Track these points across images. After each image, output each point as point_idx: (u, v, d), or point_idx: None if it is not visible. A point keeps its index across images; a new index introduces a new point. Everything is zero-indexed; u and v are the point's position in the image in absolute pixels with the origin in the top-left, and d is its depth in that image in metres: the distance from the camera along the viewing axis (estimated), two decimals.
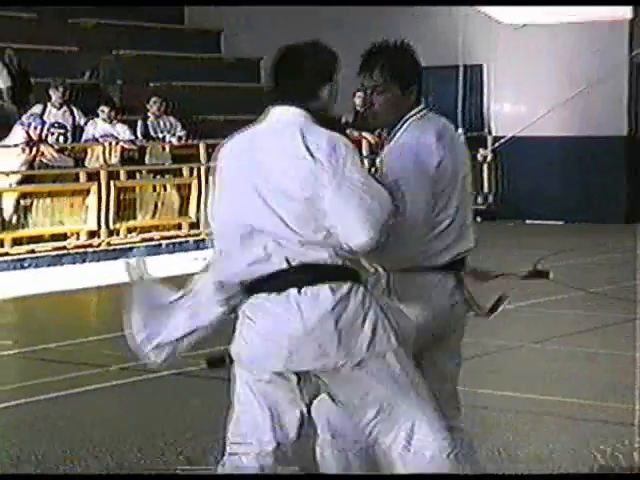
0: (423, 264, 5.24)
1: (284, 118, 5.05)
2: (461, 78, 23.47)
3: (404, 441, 4.91)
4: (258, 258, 4.85)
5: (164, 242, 18.96)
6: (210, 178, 18.68)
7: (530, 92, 22.75)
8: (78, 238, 18.08)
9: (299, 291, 4.79)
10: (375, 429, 4.97)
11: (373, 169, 5.44)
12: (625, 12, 22.21)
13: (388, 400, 4.93)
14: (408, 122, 5.30)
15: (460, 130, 23.32)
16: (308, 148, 4.82)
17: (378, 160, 5.45)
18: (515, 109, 23.09)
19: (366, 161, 18.67)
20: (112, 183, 18.40)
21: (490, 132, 23.63)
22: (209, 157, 19.70)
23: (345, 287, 4.80)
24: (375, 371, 4.89)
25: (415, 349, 5.14)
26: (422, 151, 5.18)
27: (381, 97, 5.33)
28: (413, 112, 5.32)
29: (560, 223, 19.96)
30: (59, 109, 18.87)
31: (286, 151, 4.87)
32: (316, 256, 4.79)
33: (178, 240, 19.16)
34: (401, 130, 5.31)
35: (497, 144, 22.88)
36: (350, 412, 5.06)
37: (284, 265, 4.80)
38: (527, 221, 22.13)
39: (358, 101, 21.60)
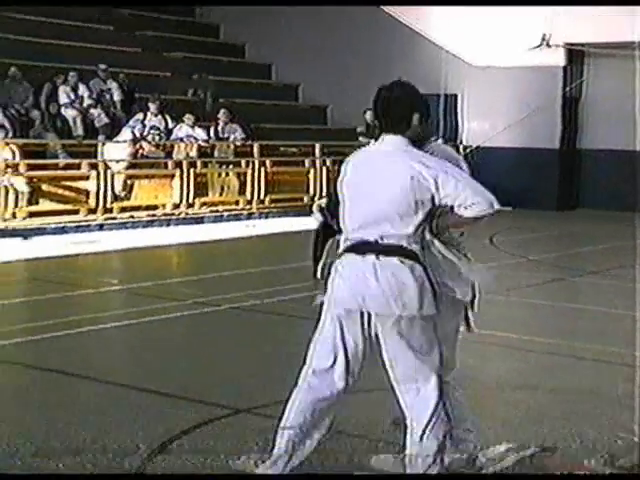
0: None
1: (390, 143, 4.84)
2: (442, 103, 23.38)
3: (415, 392, 4.81)
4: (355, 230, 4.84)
5: (226, 213, 18.93)
6: (261, 169, 18.40)
7: (491, 115, 22.66)
8: (165, 208, 18.04)
9: (377, 257, 4.72)
10: (399, 377, 4.85)
11: None
12: (559, 60, 22.21)
13: (414, 361, 4.80)
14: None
15: (440, 140, 23.25)
16: (411, 166, 4.68)
17: None
18: (480, 126, 22.94)
19: None
20: (191, 170, 18.41)
21: (462, 142, 23.53)
22: (261, 153, 19.73)
23: (408, 263, 4.69)
24: (418, 329, 4.77)
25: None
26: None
27: None
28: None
29: (509, 209, 19.84)
30: (155, 116, 18.96)
31: (393, 166, 4.74)
32: (396, 240, 4.69)
33: (235, 212, 19.13)
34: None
35: (467, 151, 22.81)
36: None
37: (373, 239, 4.74)
38: None
39: (368, 116, 21.58)
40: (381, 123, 4.90)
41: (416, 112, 4.86)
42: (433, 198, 4.67)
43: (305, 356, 4.90)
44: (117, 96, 19.36)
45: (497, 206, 4.71)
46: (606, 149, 22.02)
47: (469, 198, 4.65)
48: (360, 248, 4.78)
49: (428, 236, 4.78)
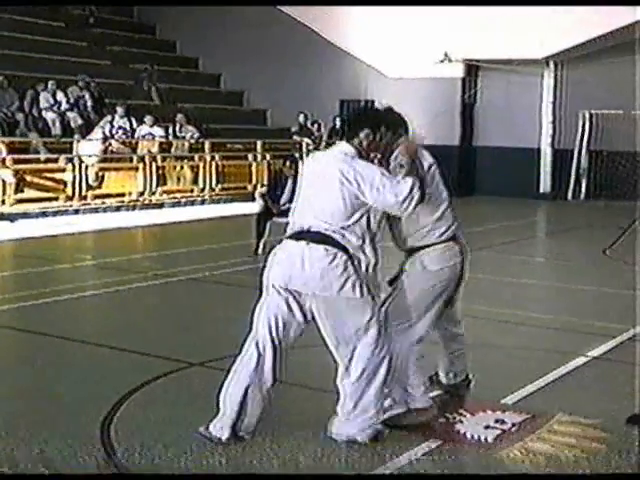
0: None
1: (338, 148, 4.82)
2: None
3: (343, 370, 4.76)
4: (298, 220, 4.77)
5: (183, 200, 18.83)
6: (212, 162, 18.30)
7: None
8: (131, 196, 17.89)
9: (307, 244, 4.66)
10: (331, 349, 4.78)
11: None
12: (458, 73, 22.42)
13: (337, 333, 4.71)
14: None
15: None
16: (342, 170, 4.62)
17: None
18: None
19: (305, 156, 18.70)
20: (153, 164, 18.27)
21: None
22: (212, 149, 19.66)
23: (332, 251, 4.59)
24: (339, 308, 4.67)
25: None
26: None
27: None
28: None
29: None
30: (122, 118, 18.77)
31: (330, 169, 4.68)
32: (325, 231, 4.61)
33: (191, 199, 19.04)
34: None
35: None
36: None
37: (307, 229, 4.68)
38: None
39: (301, 119, 21.65)
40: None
41: (366, 128, 4.76)
42: (363, 200, 4.60)
43: (250, 319, 4.89)
44: (90, 102, 19.13)
45: (406, 202, 4.58)
46: (495, 146, 22.28)
47: (387, 199, 4.58)
48: (296, 235, 4.72)
49: None
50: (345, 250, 4.62)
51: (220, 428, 4.74)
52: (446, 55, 22.11)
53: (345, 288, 4.60)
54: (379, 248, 4.76)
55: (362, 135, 4.75)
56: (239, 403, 4.73)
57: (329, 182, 4.66)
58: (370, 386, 4.71)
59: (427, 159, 4.97)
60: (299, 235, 4.71)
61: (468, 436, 4.86)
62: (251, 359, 4.75)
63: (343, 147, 4.79)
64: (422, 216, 4.91)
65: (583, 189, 21.64)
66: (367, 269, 4.68)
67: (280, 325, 4.75)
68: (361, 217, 4.65)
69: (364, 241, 4.66)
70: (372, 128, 4.77)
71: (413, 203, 4.59)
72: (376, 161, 4.79)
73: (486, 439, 4.81)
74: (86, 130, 18.30)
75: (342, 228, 4.62)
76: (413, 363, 4.98)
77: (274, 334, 4.75)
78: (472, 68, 22.70)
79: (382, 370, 4.71)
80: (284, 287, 4.71)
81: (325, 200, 4.67)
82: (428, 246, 4.97)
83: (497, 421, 5.05)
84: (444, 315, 5.15)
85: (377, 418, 4.77)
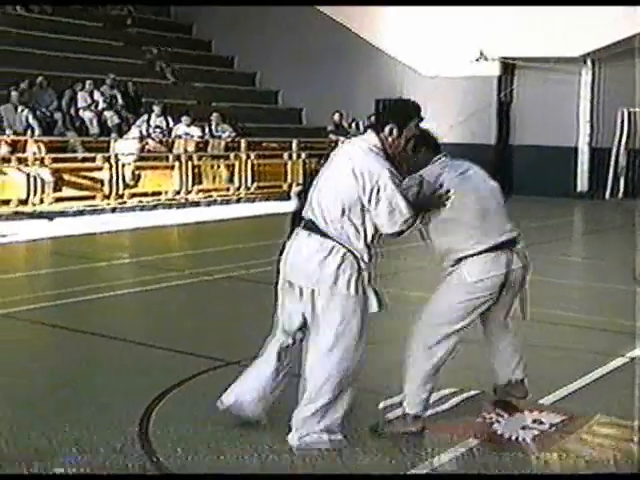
0: None
1: (360, 140, 4.71)
2: None
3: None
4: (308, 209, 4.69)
5: (219, 199, 18.90)
6: (247, 161, 18.34)
7: (439, 115, 22.58)
8: (167, 194, 17.99)
9: (309, 235, 4.60)
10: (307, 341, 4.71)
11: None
12: (494, 71, 22.22)
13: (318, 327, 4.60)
14: None
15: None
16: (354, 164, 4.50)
17: None
18: (429, 126, 22.91)
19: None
20: (189, 163, 18.36)
21: None
22: (247, 148, 19.72)
23: (330, 244, 4.50)
24: (332, 306, 4.54)
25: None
26: None
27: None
28: None
29: None
30: (158, 117, 18.89)
31: (343, 165, 4.59)
32: (327, 225, 4.53)
33: (227, 198, 19.09)
34: None
35: None
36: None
37: (312, 220, 4.61)
38: None
39: (336, 117, 21.64)
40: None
41: (391, 122, 4.58)
42: (363, 201, 4.47)
43: None
44: (120, 100, 19.21)
45: (403, 227, 4.47)
46: (532, 144, 22.10)
47: (381, 219, 4.47)
48: (305, 225, 4.66)
49: None
50: (342, 244, 4.50)
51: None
52: (482, 53, 21.96)
53: (338, 283, 4.50)
54: (377, 247, 4.65)
55: (387, 130, 4.59)
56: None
57: (339, 173, 4.57)
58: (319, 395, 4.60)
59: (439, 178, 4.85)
60: (305, 225, 4.66)
61: (506, 436, 4.82)
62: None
63: (369, 138, 4.63)
64: (452, 232, 4.81)
65: (621, 188, 21.39)
66: (361, 266, 4.54)
67: (287, 321, 4.77)
68: (360, 215, 4.51)
69: (360, 238, 4.52)
70: (398, 124, 4.60)
71: (397, 232, 4.50)
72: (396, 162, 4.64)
73: (524, 440, 4.77)
74: (123, 129, 18.44)
75: (339, 221, 4.51)
76: (426, 367, 4.84)
77: (286, 327, 4.78)
78: (508, 66, 22.52)
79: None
80: (287, 279, 4.68)
81: (330, 190, 4.57)
82: (467, 257, 4.82)
83: (535, 422, 5.01)
84: (494, 322, 5.06)
85: (322, 426, 4.60)
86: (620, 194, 21.35)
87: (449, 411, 5.22)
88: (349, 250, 4.52)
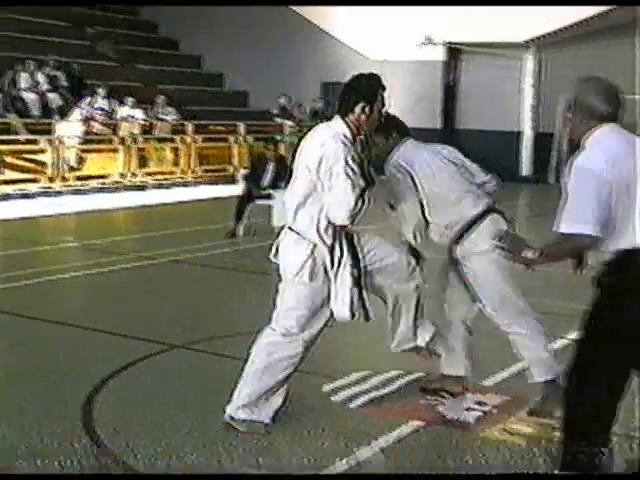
0: None
1: (326, 125, 4.57)
2: None
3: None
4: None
5: (164, 182, 18.79)
6: (193, 144, 18.22)
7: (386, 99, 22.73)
8: (112, 177, 17.84)
9: (288, 228, 4.57)
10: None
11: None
12: (440, 56, 22.42)
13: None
14: None
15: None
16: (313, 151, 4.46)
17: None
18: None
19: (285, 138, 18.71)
20: (134, 146, 18.21)
21: None
22: (194, 132, 19.61)
23: (295, 236, 4.50)
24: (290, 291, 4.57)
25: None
26: None
27: None
28: None
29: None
30: (102, 99, 18.69)
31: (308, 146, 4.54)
32: (296, 215, 4.52)
33: (172, 181, 18.99)
34: None
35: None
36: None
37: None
38: (381, 177, 22.27)
39: (282, 100, 21.59)
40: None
41: (361, 101, 4.49)
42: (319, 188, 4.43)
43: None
44: (65, 82, 18.94)
45: (346, 222, 4.41)
46: (478, 129, 22.31)
47: (328, 206, 4.43)
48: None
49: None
50: (311, 235, 4.48)
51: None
52: (428, 38, 22.09)
53: (301, 273, 4.50)
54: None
55: (357, 109, 4.50)
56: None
57: (303, 161, 4.50)
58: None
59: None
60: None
61: (449, 417, 4.89)
62: None
63: (336, 125, 4.53)
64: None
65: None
66: (317, 255, 4.51)
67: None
68: (318, 203, 4.46)
69: (314, 225, 4.47)
70: (369, 100, 4.52)
71: (341, 224, 4.46)
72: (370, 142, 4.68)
73: (467, 420, 4.84)
74: (66, 111, 18.19)
75: (302, 210, 4.49)
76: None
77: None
78: (454, 51, 22.70)
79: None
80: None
81: (296, 179, 4.53)
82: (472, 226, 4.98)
83: (478, 403, 5.08)
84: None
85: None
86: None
87: (393, 394, 5.27)
88: (309, 239, 4.50)
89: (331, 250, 4.50)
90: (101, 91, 18.70)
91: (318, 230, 4.48)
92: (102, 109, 18.47)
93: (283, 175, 6.61)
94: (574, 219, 3.45)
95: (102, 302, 8.08)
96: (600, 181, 3.44)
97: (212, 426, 4.66)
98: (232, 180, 18.28)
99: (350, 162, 4.39)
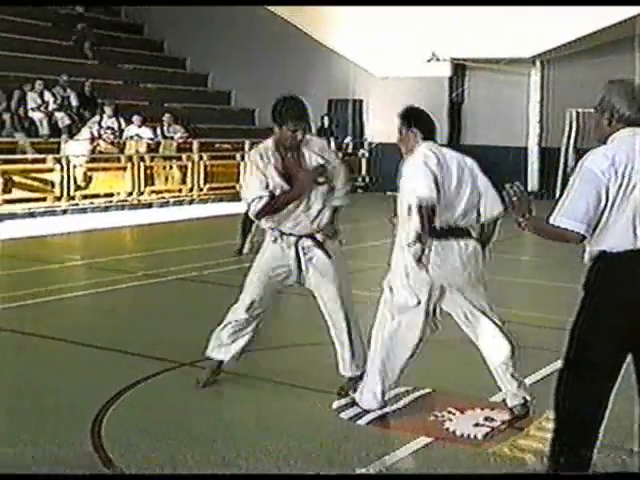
0: None
1: None
2: (351, 106, 23.52)
3: None
4: None
5: (171, 200, 18.83)
6: (200, 162, 18.20)
7: (389, 115, 22.63)
8: (119, 196, 17.87)
9: None
10: None
11: None
12: (445, 72, 22.39)
13: None
14: None
15: (349, 138, 23.46)
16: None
17: None
18: (380, 126, 23.02)
19: None
20: (141, 164, 18.26)
21: (366, 139, 23.69)
22: (200, 149, 19.66)
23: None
24: None
25: None
26: None
27: None
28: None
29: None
30: (110, 118, 18.76)
31: None
32: None
33: (179, 199, 19.03)
34: None
35: (372, 146, 23.06)
36: None
37: None
38: (388, 192, 22.22)
39: None
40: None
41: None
42: None
43: None
44: (75, 101, 19.07)
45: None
46: (483, 145, 22.31)
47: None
48: None
49: None
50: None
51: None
52: (433, 54, 22.14)
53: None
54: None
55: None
56: None
57: None
58: None
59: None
60: None
61: (457, 434, 4.87)
62: None
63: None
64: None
65: None
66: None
67: None
68: None
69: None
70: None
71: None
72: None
73: (475, 437, 4.83)
74: (74, 130, 18.27)
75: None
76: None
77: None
78: (459, 67, 22.74)
79: None
80: None
81: None
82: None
83: (486, 419, 5.07)
84: None
85: None
86: None
87: (401, 410, 5.27)
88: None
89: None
90: (108, 110, 18.82)
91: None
92: (110, 128, 18.57)
93: None
94: (564, 214, 3.60)
95: (110, 321, 8.07)
96: (598, 182, 3.52)
97: (223, 442, 4.65)
98: (239, 198, 18.28)
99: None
